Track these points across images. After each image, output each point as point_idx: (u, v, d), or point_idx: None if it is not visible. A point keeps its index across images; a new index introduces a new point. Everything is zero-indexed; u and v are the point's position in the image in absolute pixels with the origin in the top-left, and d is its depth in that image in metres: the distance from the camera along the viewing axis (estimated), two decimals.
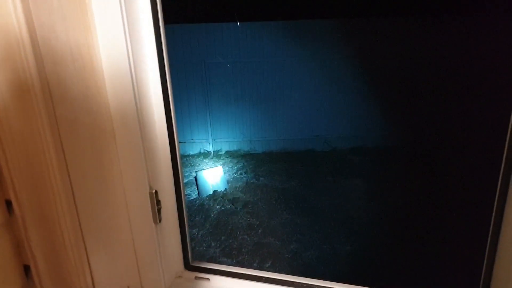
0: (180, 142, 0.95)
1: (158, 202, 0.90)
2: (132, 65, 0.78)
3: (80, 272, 0.74)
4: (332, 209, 4.28)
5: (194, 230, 3.86)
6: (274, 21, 5.93)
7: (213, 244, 3.66)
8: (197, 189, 4.91)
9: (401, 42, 5.82)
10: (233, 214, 4.18)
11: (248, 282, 1.03)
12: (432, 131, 6.03)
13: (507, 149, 0.77)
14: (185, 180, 5.24)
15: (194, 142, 6.47)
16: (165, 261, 0.97)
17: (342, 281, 1.03)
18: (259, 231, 3.85)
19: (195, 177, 5.10)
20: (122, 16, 0.75)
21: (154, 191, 0.88)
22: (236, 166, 5.83)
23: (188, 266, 1.07)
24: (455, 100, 5.73)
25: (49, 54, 0.65)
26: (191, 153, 6.45)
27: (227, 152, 6.46)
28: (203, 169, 5.32)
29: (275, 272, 1.05)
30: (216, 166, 5.52)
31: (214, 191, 4.79)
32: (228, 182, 5.15)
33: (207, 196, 4.67)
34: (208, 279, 1.04)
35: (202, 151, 6.48)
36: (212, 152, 6.45)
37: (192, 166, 5.85)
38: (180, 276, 1.06)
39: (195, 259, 1.10)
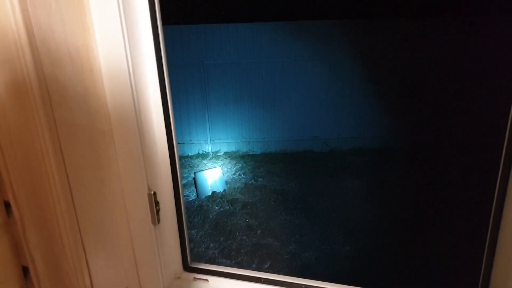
0: (178, 143, 0.95)
1: (157, 203, 0.90)
2: (130, 67, 0.79)
3: (79, 273, 0.74)
4: (331, 210, 4.28)
5: (193, 231, 3.86)
6: (272, 22, 5.94)
7: (212, 245, 3.65)
8: (196, 190, 4.91)
9: (399, 43, 5.83)
10: (232, 215, 4.18)
11: (247, 283, 1.03)
12: (432, 132, 6.04)
13: (506, 149, 0.77)
14: (184, 181, 5.24)
15: (193, 143, 6.47)
16: (163, 262, 0.97)
17: (341, 282, 1.03)
18: (258, 232, 3.85)
19: (194, 178, 5.10)
20: (121, 17, 0.75)
21: (152, 192, 0.88)
22: (235, 167, 5.83)
23: (186, 267, 1.07)
24: (455, 100, 5.75)
25: (47, 56, 0.65)
26: (190, 154, 6.45)
27: (225, 153, 6.46)
28: (202, 170, 5.32)
29: (274, 273, 1.05)
30: (215, 167, 5.52)
31: (213, 192, 4.79)
32: (227, 183, 5.15)
33: (205, 197, 4.67)
34: (206, 280, 1.04)
35: (200, 152, 6.48)
36: (211, 153, 6.45)
37: (190, 167, 5.85)
38: (178, 277, 1.06)
39: (194, 260, 1.10)
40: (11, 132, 0.64)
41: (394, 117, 6.21)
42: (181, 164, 0.99)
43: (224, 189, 4.92)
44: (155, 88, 0.88)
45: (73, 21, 0.71)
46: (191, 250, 1.08)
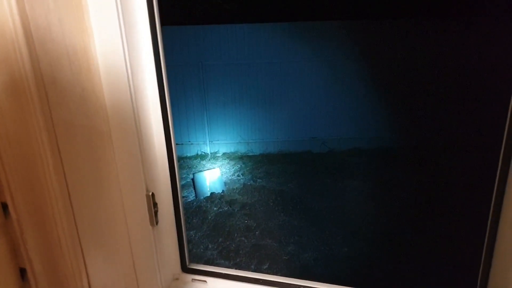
0: (177, 144, 0.95)
1: (155, 204, 0.90)
2: (128, 67, 0.78)
3: (77, 274, 0.74)
4: (329, 210, 4.28)
5: (191, 232, 3.86)
6: (271, 23, 5.95)
7: (210, 246, 3.65)
8: (195, 191, 4.90)
9: (397, 44, 5.84)
10: (231, 216, 4.18)
11: (245, 284, 1.03)
12: (430, 133, 6.05)
13: (504, 149, 0.77)
14: (183, 182, 5.23)
15: (192, 144, 6.46)
16: (162, 263, 0.96)
17: (340, 283, 1.03)
18: (257, 233, 3.84)
19: (193, 179, 5.09)
20: (119, 18, 0.75)
21: (150, 194, 0.88)
22: (233, 168, 5.82)
23: (185, 269, 1.06)
24: (454, 101, 5.76)
25: (45, 56, 0.65)
26: (189, 155, 6.44)
27: (224, 154, 6.45)
28: (201, 171, 5.32)
29: (273, 274, 1.05)
30: (214, 168, 5.52)
31: (212, 193, 4.78)
32: (225, 184, 5.14)
33: (204, 198, 4.67)
34: (205, 281, 1.04)
35: (199, 153, 6.48)
36: (210, 154, 6.45)
37: (189, 168, 5.85)
38: (177, 279, 1.05)
39: (193, 261, 1.10)
40: (8, 133, 0.64)
41: (393, 118, 6.22)
42: (179, 165, 0.99)
43: (223, 190, 4.91)
44: (154, 89, 0.88)
45: (71, 21, 0.71)
46: (189, 251, 1.08)
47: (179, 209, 1.01)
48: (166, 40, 0.86)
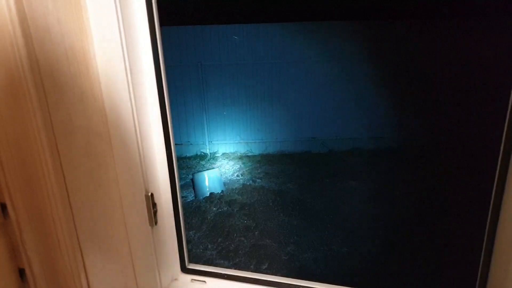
0: (176, 144, 0.95)
1: (154, 205, 0.90)
2: (127, 68, 0.78)
3: (76, 275, 0.74)
4: (329, 211, 4.28)
5: (190, 232, 3.85)
6: (269, 23, 5.95)
7: (209, 246, 3.65)
8: (194, 191, 4.90)
9: (397, 44, 5.85)
10: (230, 216, 4.18)
11: (244, 284, 1.03)
12: (430, 133, 6.06)
13: (503, 150, 0.78)
14: (182, 182, 5.23)
15: (191, 144, 6.46)
16: (161, 264, 0.96)
17: (339, 283, 1.03)
18: (256, 233, 3.84)
19: (192, 179, 5.09)
20: (118, 19, 0.75)
21: (150, 194, 0.88)
22: (232, 168, 5.82)
23: (184, 269, 1.06)
24: (454, 101, 5.77)
25: (44, 57, 0.65)
26: (188, 155, 6.44)
27: (223, 154, 6.46)
28: (200, 171, 5.32)
29: (272, 274, 1.05)
30: (213, 168, 5.52)
31: (211, 193, 4.78)
32: (224, 184, 5.14)
33: (203, 198, 4.67)
34: (204, 281, 1.04)
35: (198, 153, 6.48)
36: (209, 154, 6.45)
37: (188, 168, 5.84)
38: (176, 279, 1.05)
39: (192, 261, 1.10)
40: (7, 134, 0.64)
41: (393, 118, 6.23)
42: (179, 165, 0.99)
43: (222, 190, 4.91)
44: (153, 89, 0.88)
45: (70, 22, 0.71)
46: (189, 251, 1.08)
47: (179, 210, 1.01)
48: (165, 40, 0.86)
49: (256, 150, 6.47)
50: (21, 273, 0.71)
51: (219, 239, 3.76)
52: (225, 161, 6.13)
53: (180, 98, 6.16)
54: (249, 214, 4.20)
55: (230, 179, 5.37)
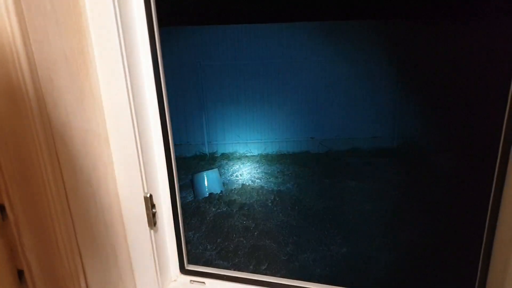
0: (175, 144, 0.95)
1: (153, 206, 0.90)
2: (126, 69, 0.78)
3: (75, 276, 0.74)
4: (328, 211, 4.28)
5: (190, 233, 3.85)
6: (268, 23, 5.95)
7: (209, 247, 3.65)
8: (193, 192, 4.90)
9: (396, 45, 5.86)
10: (229, 216, 4.17)
11: (243, 286, 1.03)
12: (429, 133, 6.07)
13: (501, 150, 0.78)
14: (181, 183, 5.23)
15: (190, 144, 6.46)
16: (160, 265, 0.96)
17: (338, 283, 1.03)
18: (255, 233, 3.84)
19: (191, 180, 5.09)
20: (116, 20, 0.75)
21: (149, 195, 0.88)
22: (231, 168, 5.82)
23: (183, 270, 1.06)
24: (454, 102, 5.77)
25: (43, 59, 0.65)
26: (187, 155, 6.44)
27: (222, 154, 6.45)
28: (199, 171, 5.31)
29: (271, 274, 1.05)
30: (212, 168, 5.52)
31: (210, 194, 4.78)
32: (224, 184, 5.14)
33: (203, 199, 4.66)
34: (203, 282, 1.04)
35: (198, 153, 6.48)
36: (208, 154, 6.45)
37: (188, 168, 5.84)
38: (175, 280, 1.05)
39: (191, 262, 1.10)
40: (6, 135, 0.64)
41: (392, 118, 6.24)
42: (178, 166, 0.99)
43: (221, 191, 4.91)
44: (151, 90, 0.88)
45: (69, 23, 0.71)
46: (188, 251, 1.08)
47: (178, 211, 1.01)
48: (164, 41, 0.86)
49: (255, 150, 6.48)
50: (20, 274, 0.71)
51: (218, 239, 3.76)
52: (224, 161, 6.13)
53: (179, 99, 6.16)
54: (248, 215, 4.20)
55: (229, 180, 5.37)
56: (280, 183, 5.16)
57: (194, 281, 1.04)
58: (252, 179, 5.31)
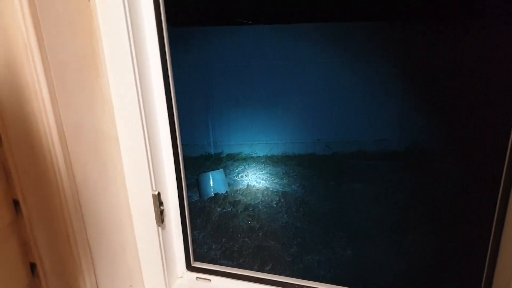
0: (182, 144, 0.97)
1: (161, 203, 0.92)
2: (136, 69, 0.80)
3: (85, 271, 0.76)
4: (333, 213, 4.28)
5: (195, 232, 3.87)
6: (276, 24, 5.96)
7: (214, 246, 3.66)
8: (199, 192, 4.92)
9: (401, 46, 5.84)
10: (234, 216, 4.19)
11: (249, 283, 1.04)
12: (436, 136, 6.03)
13: (510, 151, 0.78)
14: (187, 183, 5.21)
15: (196, 145, 6.48)
16: (167, 261, 0.98)
17: (342, 285, 1.04)
18: (260, 234, 3.85)
19: (197, 180, 5.11)
20: (126, 21, 0.76)
21: (157, 193, 0.90)
22: (237, 169, 5.84)
23: (189, 267, 1.08)
24: (460, 104, 5.73)
25: (55, 59, 0.67)
26: (193, 155, 6.46)
27: (228, 155, 6.47)
28: (205, 171, 5.33)
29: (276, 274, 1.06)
30: (218, 169, 5.54)
31: (215, 194, 4.80)
32: (229, 185, 5.16)
33: (208, 199, 4.68)
34: (209, 280, 1.06)
35: (203, 153, 6.50)
36: (214, 155, 6.47)
37: (193, 168, 5.86)
38: (181, 277, 1.07)
39: (196, 260, 1.11)
40: (20, 134, 0.66)
41: (398, 121, 6.21)
42: (184, 166, 1.01)
43: (227, 191, 4.93)
44: (160, 90, 0.90)
45: (81, 25, 0.73)
46: (193, 250, 1.09)
47: (185, 209, 1.02)
48: (172, 41, 0.88)
49: (260, 151, 6.48)
50: (32, 267, 0.73)
51: (223, 239, 3.77)
52: (229, 162, 6.15)
53: (185, 99, 6.18)
54: (253, 215, 4.21)
55: (234, 180, 5.38)
56: (285, 184, 5.17)
57: (200, 278, 1.06)
58: (257, 180, 5.32)
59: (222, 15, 6.12)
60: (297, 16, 6.06)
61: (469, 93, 5.63)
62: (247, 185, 5.09)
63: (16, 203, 0.69)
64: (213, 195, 4.78)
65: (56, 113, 0.67)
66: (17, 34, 0.62)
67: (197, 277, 1.06)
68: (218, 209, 4.39)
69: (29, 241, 0.70)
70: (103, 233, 0.82)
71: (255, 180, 5.32)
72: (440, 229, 3.79)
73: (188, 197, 4.85)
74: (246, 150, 6.49)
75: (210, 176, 5.08)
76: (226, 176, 5.37)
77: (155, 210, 0.90)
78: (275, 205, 4.48)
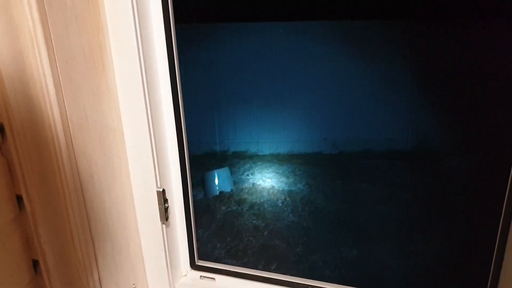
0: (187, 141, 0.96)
1: (166, 200, 0.91)
2: (142, 65, 0.79)
3: (88, 268, 0.75)
4: (339, 212, 4.25)
5: (199, 231, 3.87)
6: (283, 21, 5.93)
7: (218, 245, 3.66)
8: (204, 190, 4.92)
9: (408, 44, 5.78)
10: (239, 215, 4.18)
11: (254, 282, 1.03)
12: (444, 135, 5.97)
13: None
14: (192, 181, 5.23)
15: (201, 142, 6.48)
16: (171, 259, 0.97)
17: (348, 285, 1.03)
18: (265, 233, 3.84)
19: (202, 178, 5.11)
20: (134, 16, 0.76)
21: (162, 190, 0.89)
22: (242, 167, 5.83)
23: (193, 265, 1.07)
24: (468, 104, 5.67)
25: (62, 53, 0.66)
26: (198, 153, 6.46)
27: (234, 153, 6.46)
28: (210, 169, 5.33)
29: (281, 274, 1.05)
30: (223, 167, 5.53)
31: (221, 192, 4.80)
32: (234, 183, 5.15)
33: (213, 197, 4.68)
34: (213, 278, 1.05)
35: (209, 151, 6.50)
36: (219, 152, 6.47)
37: (198, 166, 5.86)
38: (185, 275, 1.06)
39: (201, 259, 1.10)
40: (25, 128, 0.66)
41: (406, 120, 6.15)
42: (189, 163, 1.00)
43: (232, 189, 4.92)
44: (167, 87, 0.89)
45: (87, 19, 0.72)
46: (197, 249, 1.09)
47: (189, 206, 1.01)
48: (178, 38, 0.87)
49: (266, 149, 6.46)
50: (35, 264, 0.73)
51: (228, 238, 3.77)
52: (235, 160, 6.14)
53: (191, 96, 6.19)
54: (258, 214, 4.20)
55: (240, 178, 5.38)
56: (291, 183, 5.15)
57: (204, 276, 1.05)
58: (263, 178, 5.31)
59: (230, 11, 6.11)
60: (306, 13, 6.03)
61: (479, 93, 5.57)
62: (253, 184, 5.08)
63: (19, 199, 0.68)
64: (218, 193, 4.78)
65: (62, 107, 0.66)
66: (24, 28, 0.61)
67: (201, 276, 1.05)
68: (223, 207, 4.39)
69: (32, 237, 0.70)
70: (107, 230, 0.82)
71: (260, 178, 5.31)
72: (447, 230, 3.75)
73: (193, 195, 4.86)
74: (252, 148, 6.48)
75: (216, 174, 5.07)
76: (231, 174, 5.36)
77: (159, 207, 0.89)
78: (280, 204, 4.47)
